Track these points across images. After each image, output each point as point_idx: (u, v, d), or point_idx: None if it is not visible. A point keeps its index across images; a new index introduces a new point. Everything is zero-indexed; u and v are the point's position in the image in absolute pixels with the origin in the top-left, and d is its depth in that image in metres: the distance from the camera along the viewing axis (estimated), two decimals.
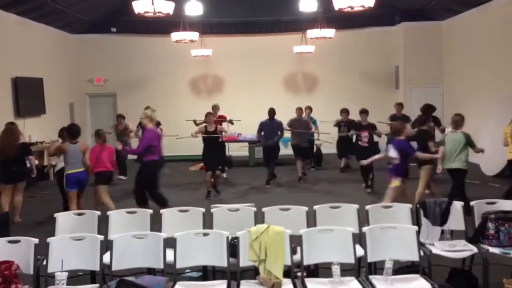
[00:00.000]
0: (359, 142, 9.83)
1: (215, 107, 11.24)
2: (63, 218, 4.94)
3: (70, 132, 7.45)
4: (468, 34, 13.06)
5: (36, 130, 11.78)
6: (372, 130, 9.79)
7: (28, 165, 8.02)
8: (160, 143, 7.97)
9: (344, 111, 11.74)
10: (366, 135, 9.73)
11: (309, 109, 12.01)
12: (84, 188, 7.56)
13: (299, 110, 11.09)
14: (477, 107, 12.24)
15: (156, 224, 4.87)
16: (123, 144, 9.02)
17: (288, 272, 4.05)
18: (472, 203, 4.93)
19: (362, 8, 7.54)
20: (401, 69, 15.05)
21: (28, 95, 11.67)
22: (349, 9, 7.56)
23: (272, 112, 10.43)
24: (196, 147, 13.95)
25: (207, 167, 9.40)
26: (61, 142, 7.83)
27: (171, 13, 8.34)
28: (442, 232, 4.79)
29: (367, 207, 4.90)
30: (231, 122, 11.78)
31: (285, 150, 11.64)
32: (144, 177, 7.72)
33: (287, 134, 11.10)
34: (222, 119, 11.30)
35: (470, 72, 12.95)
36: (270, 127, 10.36)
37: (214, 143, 9.34)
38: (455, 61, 13.96)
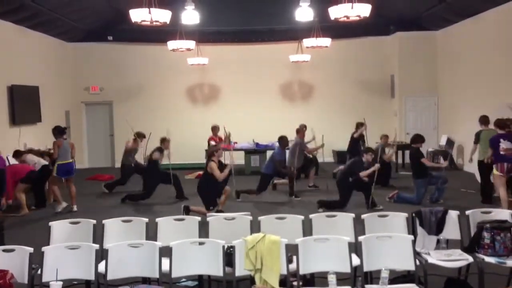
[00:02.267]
0: None
1: (215, 128, 11.28)
2: (57, 227, 4.92)
3: (60, 131, 9.09)
4: (462, 43, 13.15)
5: (32, 138, 11.74)
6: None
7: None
8: None
9: (384, 136, 11.38)
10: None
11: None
12: (72, 176, 9.23)
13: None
14: (471, 116, 12.28)
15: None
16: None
17: (284, 281, 4.04)
18: (467, 212, 4.95)
19: (357, 18, 7.61)
20: (397, 78, 15.12)
21: (24, 103, 11.63)
22: (345, 18, 7.63)
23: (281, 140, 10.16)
24: (192, 155, 14.05)
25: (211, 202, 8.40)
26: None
27: (168, 22, 8.36)
28: (438, 241, 4.80)
29: (363, 216, 4.90)
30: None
31: None
32: None
33: None
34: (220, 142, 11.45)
35: (465, 81, 13.03)
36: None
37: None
38: (450, 70, 14.04)
